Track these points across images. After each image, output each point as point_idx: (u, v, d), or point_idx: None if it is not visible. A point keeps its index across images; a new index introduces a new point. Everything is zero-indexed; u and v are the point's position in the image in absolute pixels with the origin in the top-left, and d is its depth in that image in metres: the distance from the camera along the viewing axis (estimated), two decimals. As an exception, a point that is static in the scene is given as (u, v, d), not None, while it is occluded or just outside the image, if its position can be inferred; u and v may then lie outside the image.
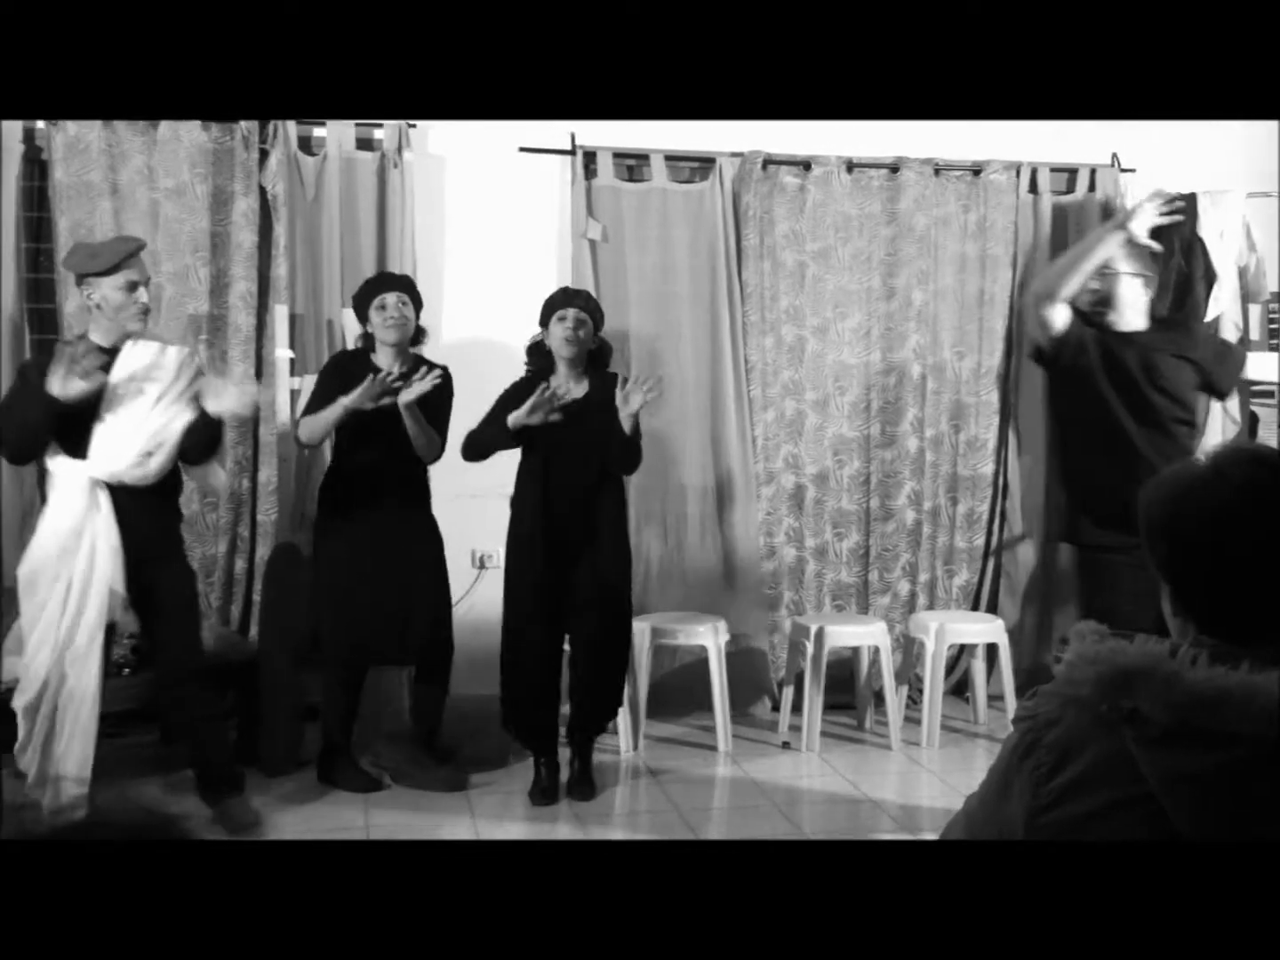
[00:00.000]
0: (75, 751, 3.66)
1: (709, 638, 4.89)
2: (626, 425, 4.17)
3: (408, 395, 4.10)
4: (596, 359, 4.38)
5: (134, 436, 3.69)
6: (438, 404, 4.25)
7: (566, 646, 4.42)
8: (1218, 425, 5.37)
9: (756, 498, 5.34)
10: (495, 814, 4.23)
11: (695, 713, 5.14)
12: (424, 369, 4.15)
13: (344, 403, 4.09)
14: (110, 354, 3.72)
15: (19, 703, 3.68)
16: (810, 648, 4.92)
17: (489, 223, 5.12)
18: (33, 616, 3.67)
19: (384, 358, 4.29)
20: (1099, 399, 4.03)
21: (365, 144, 4.98)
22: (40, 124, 4.71)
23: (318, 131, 4.95)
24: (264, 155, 4.84)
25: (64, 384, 3.53)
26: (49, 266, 4.78)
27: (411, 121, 4.96)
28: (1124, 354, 4.03)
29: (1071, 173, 5.56)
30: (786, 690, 5.14)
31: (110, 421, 3.68)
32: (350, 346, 4.61)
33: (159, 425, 3.72)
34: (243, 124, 4.78)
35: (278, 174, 4.83)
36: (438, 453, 4.32)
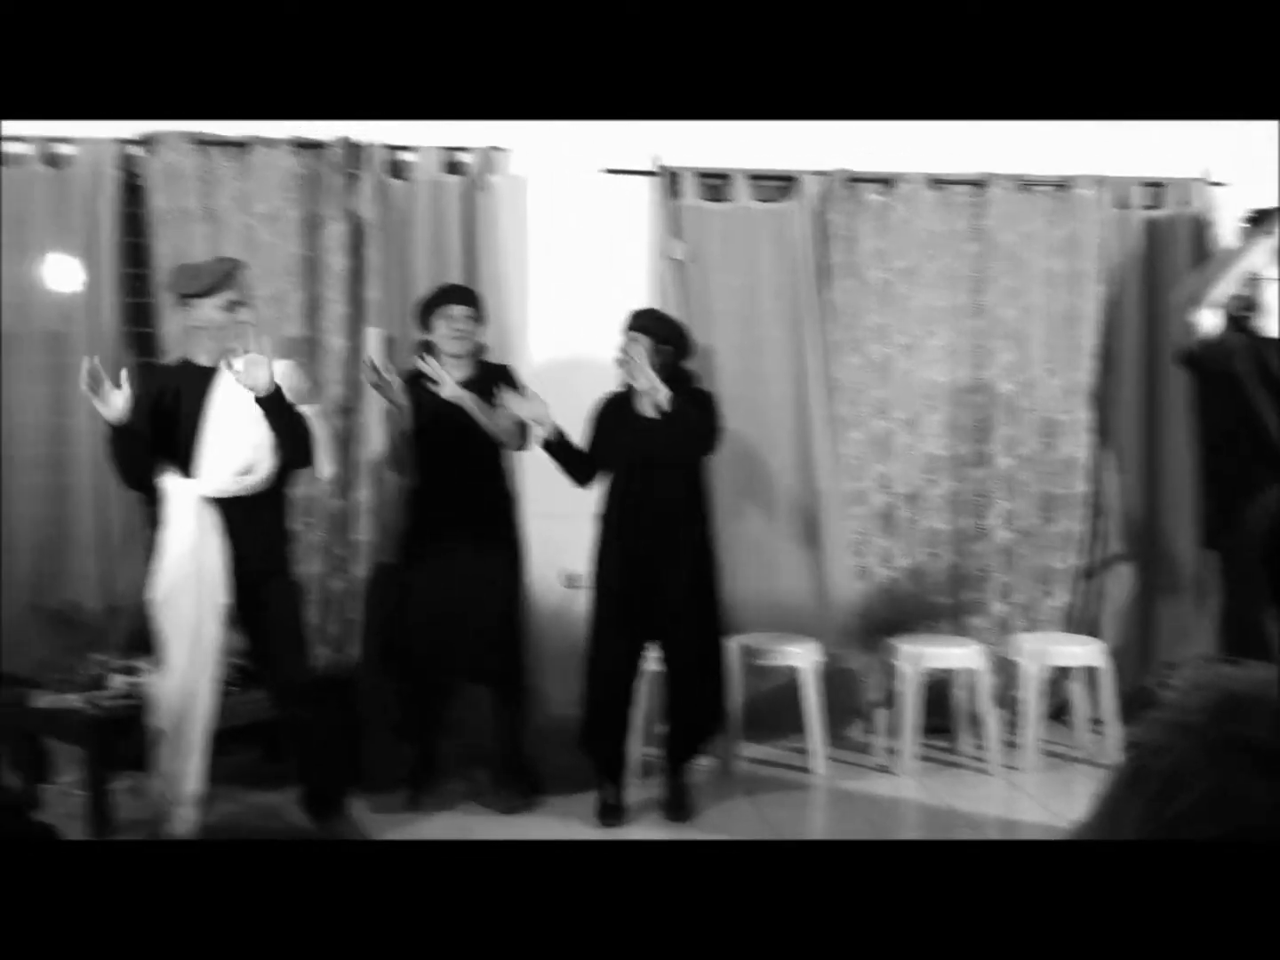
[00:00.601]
0: (192, 768, 3.69)
1: (802, 658, 4.82)
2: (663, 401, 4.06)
3: (446, 387, 4.11)
4: (678, 377, 4.31)
5: (237, 450, 3.72)
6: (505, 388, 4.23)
7: (656, 665, 4.37)
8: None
9: (846, 517, 5.27)
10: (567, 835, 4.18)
11: (789, 734, 5.06)
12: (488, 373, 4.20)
13: (387, 418, 4.14)
14: (212, 372, 3.76)
15: (162, 723, 3.72)
16: (905, 670, 4.83)
17: (574, 244, 5.15)
18: (168, 637, 3.71)
19: (447, 367, 4.26)
20: (1247, 405, 3.98)
21: (453, 167, 5.04)
22: (138, 150, 4.82)
23: (406, 156, 5.02)
24: (354, 180, 4.91)
25: (104, 408, 3.56)
26: (147, 291, 4.88)
27: (497, 145, 5.02)
28: (1274, 360, 3.97)
29: (1160, 187, 5.49)
30: (880, 712, 5.04)
31: (215, 438, 3.72)
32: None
33: (257, 437, 3.74)
34: (333, 150, 4.87)
35: (367, 198, 4.90)
36: (522, 438, 4.29)
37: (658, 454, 4.18)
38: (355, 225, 4.93)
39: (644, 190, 5.21)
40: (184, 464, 3.73)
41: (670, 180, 5.18)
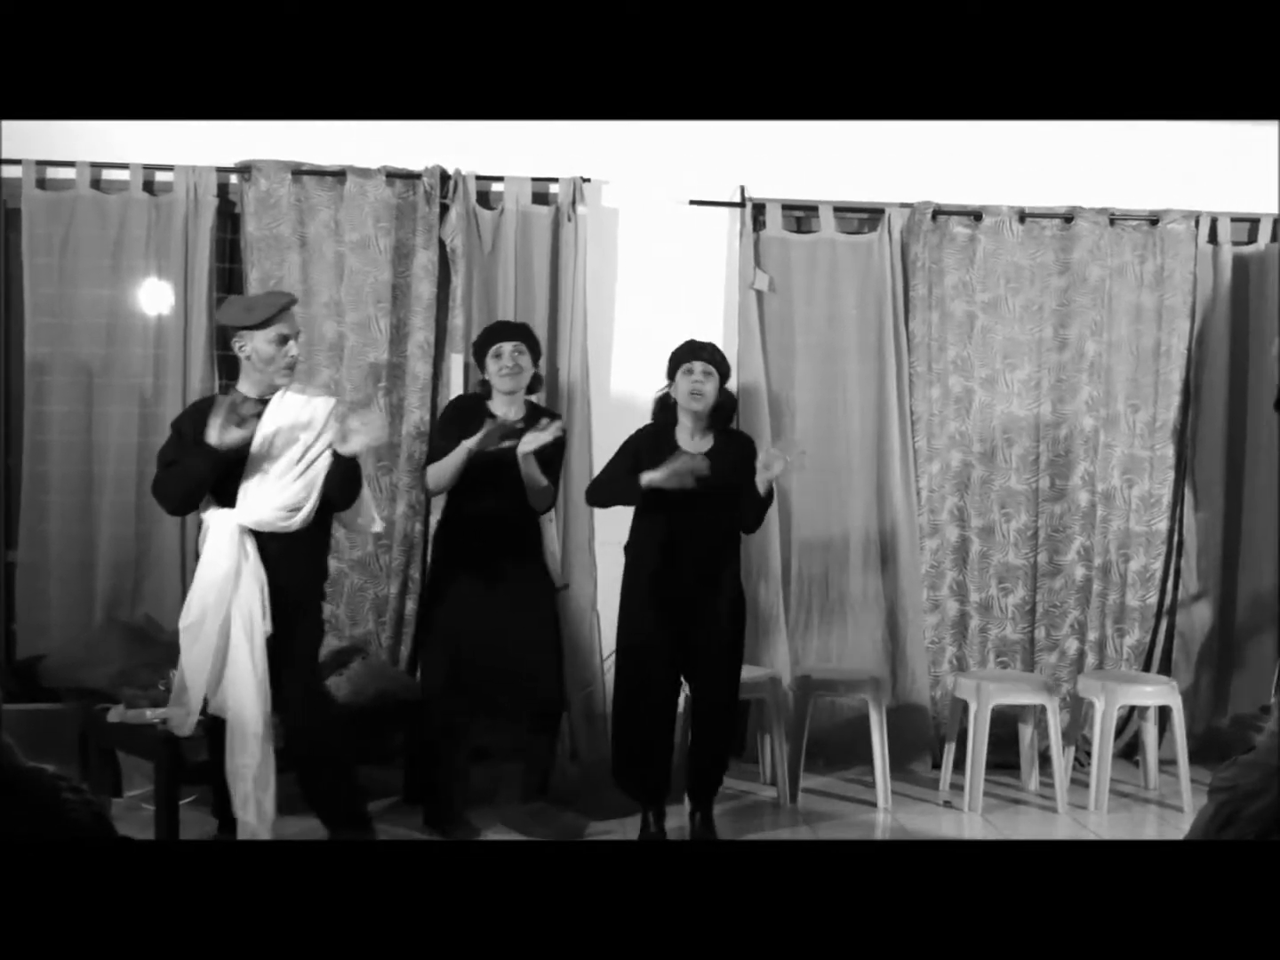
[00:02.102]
0: (268, 792, 3.75)
1: (870, 691, 4.86)
2: (762, 488, 4.14)
3: (528, 445, 4.10)
4: (720, 413, 4.33)
5: (282, 486, 3.76)
6: (552, 454, 4.24)
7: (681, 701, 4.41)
8: None
9: (920, 550, 5.29)
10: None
11: (855, 767, 5.10)
12: (544, 420, 4.17)
13: (467, 445, 4.09)
14: (260, 405, 3.80)
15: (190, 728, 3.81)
16: (974, 705, 4.85)
17: (658, 274, 5.20)
18: (192, 666, 3.76)
19: (499, 405, 4.30)
20: None
21: (541, 198, 5.10)
22: (233, 178, 4.94)
23: (496, 186, 5.10)
24: (444, 210, 4.99)
25: (221, 433, 3.62)
26: (239, 316, 5.00)
27: (586, 176, 5.08)
28: None
29: (1253, 222, 5.41)
30: (948, 747, 5.07)
31: (259, 472, 3.76)
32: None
33: (308, 476, 3.78)
34: (425, 179, 4.95)
35: (457, 227, 4.98)
36: (550, 502, 4.35)
37: (707, 490, 4.16)
38: (444, 254, 5.01)
39: (728, 222, 5.24)
40: (225, 494, 3.77)
41: (755, 212, 5.20)
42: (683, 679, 4.34)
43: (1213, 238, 5.38)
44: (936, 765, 5.17)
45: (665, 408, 4.36)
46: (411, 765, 4.64)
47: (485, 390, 4.35)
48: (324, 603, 4.15)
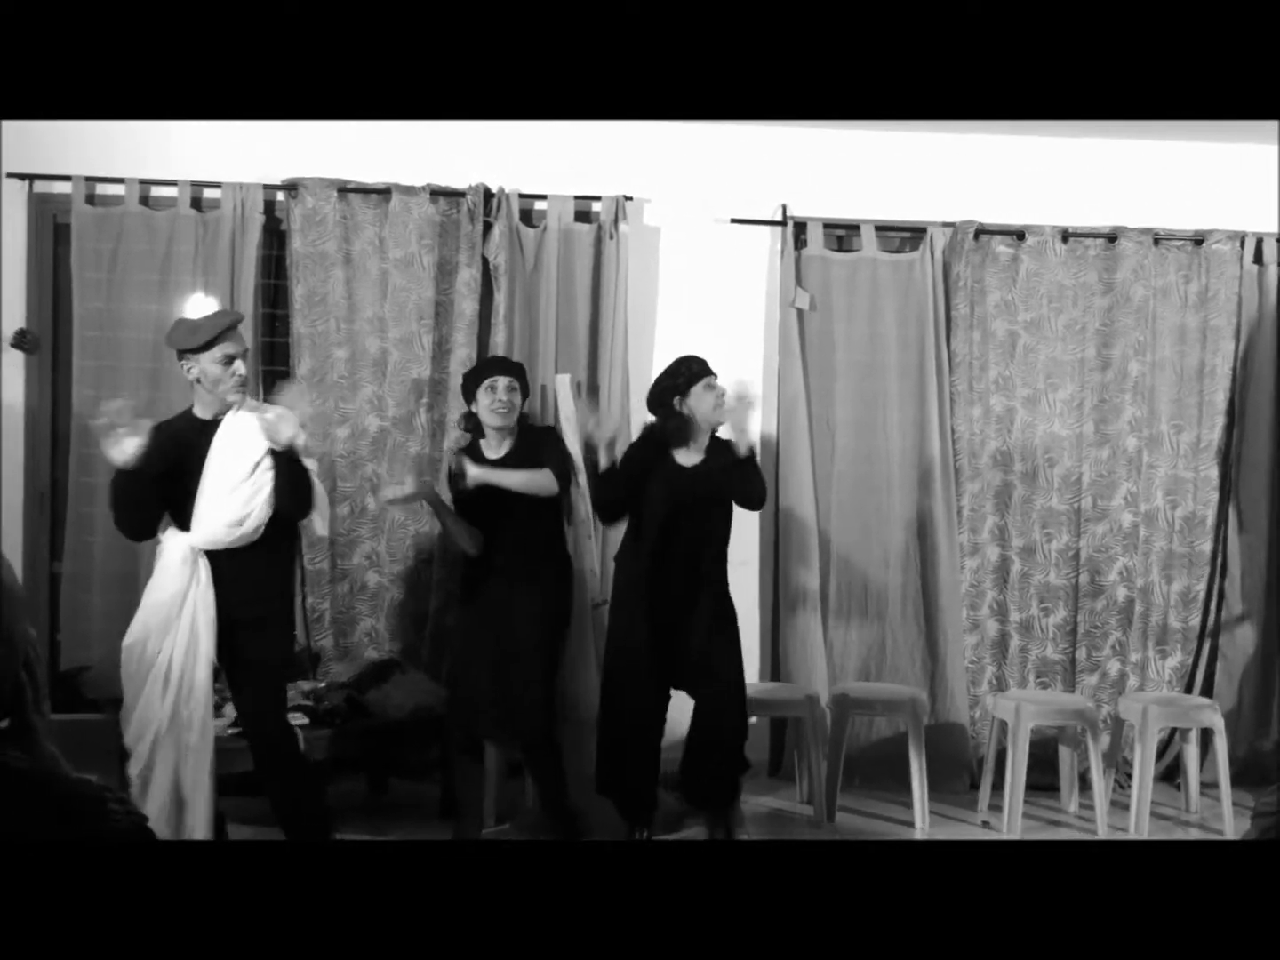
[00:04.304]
0: (201, 816, 3.68)
1: (908, 710, 4.85)
2: (742, 449, 4.15)
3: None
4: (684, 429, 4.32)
5: (230, 501, 3.69)
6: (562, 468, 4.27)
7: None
8: None
9: (960, 569, 5.28)
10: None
11: (893, 787, 5.09)
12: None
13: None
14: (212, 425, 3.74)
15: (133, 771, 3.69)
16: (1012, 725, 4.82)
17: (700, 292, 5.23)
18: (134, 690, 3.70)
19: (491, 440, 4.31)
20: None
21: (583, 216, 5.14)
22: (280, 195, 4.99)
23: (539, 205, 5.13)
24: (488, 227, 5.03)
25: (112, 448, 3.53)
26: (285, 331, 5.06)
27: (628, 195, 5.11)
28: None
29: (1301, 241, 5.37)
30: (987, 768, 5.05)
31: (210, 490, 3.69)
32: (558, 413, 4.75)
33: (252, 486, 3.71)
34: (468, 197, 4.99)
35: (499, 245, 5.02)
36: (477, 546, 4.28)
37: (699, 503, 4.23)
38: (487, 271, 5.05)
39: (770, 240, 5.26)
40: (183, 516, 3.73)
41: (796, 230, 5.21)
42: (677, 691, 4.36)
43: (1258, 258, 5.35)
44: (975, 786, 5.15)
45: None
46: (446, 781, 4.67)
47: (469, 424, 4.38)
48: (296, 609, 4.23)
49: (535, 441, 4.33)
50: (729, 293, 5.25)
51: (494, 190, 5.04)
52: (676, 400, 4.30)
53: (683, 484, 4.27)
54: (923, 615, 5.29)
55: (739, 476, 4.22)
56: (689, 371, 4.30)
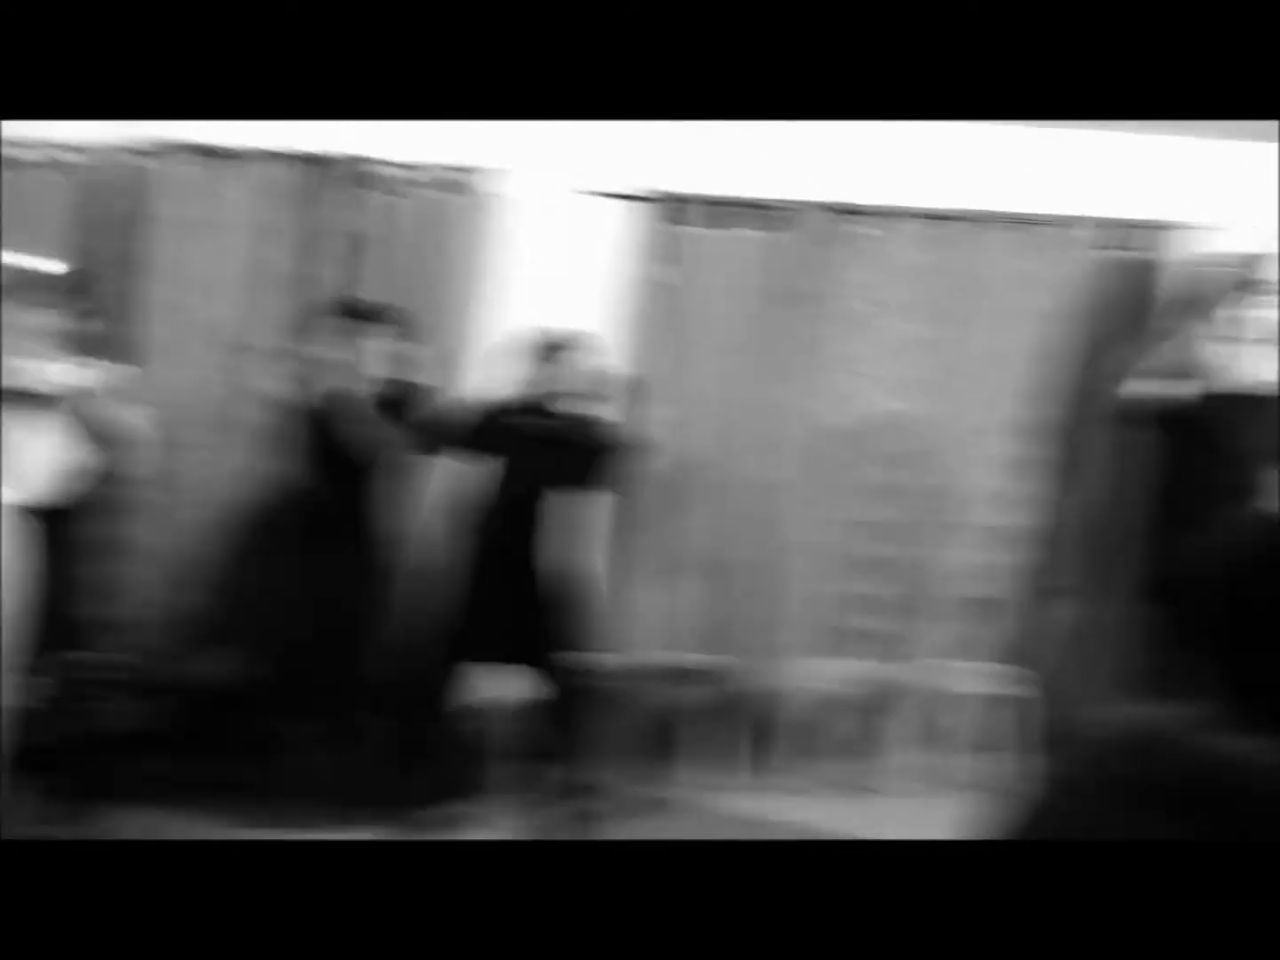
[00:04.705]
0: None
1: (725, 680, 5.02)
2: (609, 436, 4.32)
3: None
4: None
5: (37, 460, 3.67)
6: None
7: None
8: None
9: (781, 540, 5.43)
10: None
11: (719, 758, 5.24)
12: None
13: None
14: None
15: None
16: (819, 692, 5.13)
17: (561, 266, 5.31)
18: None
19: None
20: (1184, 460, 4.10)
21: (452, 186, 5.19)
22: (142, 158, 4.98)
23: (403, 173, 5.17)
24: (352, 196, 5.07)
25: None
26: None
27: (497, 165, 5.17)
28: (1215, 417, 4.07)
29: (1147, 230, 5.50)
30: (788, 737, 5.25)
31: (22, 443, 3.65)
32: None
33: (65, 445, 3.70)
34: (332, 165, 5.01)
35: (363, 214, 5.06)
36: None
37: (546, 474, 4.32)
38: (349, 240, 5.10)
39: (634, 215, 5.35)
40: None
41: (661, 205, 5.31)
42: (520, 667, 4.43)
43: (1102, 244, 5.48)
44: (782, 755, 5.33)
45: None
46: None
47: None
48: None
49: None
50: (592, 268, 5.33)
51: (359, 157, 5.07)
52: (536, 371, 4.41)
53: (535, 451, 4.37)
54: (739, 583, 5.44)
55: (588, 454, 4.36)
56: (549, 344, 4.42)
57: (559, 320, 5.26)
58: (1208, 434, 4.01)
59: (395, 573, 4.61)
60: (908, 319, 5.46)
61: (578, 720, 4.46)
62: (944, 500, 5.54)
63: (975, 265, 5.43)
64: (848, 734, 5.37)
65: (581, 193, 5.30)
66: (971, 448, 5.52)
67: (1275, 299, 5.21)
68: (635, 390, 5.03)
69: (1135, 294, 5.43)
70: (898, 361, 5.47)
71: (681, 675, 5.17)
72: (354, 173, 5.08)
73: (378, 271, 5.15)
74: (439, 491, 4.86)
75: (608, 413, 4.44)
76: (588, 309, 5.25)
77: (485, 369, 5.14)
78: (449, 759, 4.40)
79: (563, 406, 4.38)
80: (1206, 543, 1.56)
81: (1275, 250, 5.28)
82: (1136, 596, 4.18)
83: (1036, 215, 5.46)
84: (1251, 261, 5.28)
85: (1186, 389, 4.08)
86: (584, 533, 4.47)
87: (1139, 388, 4.04)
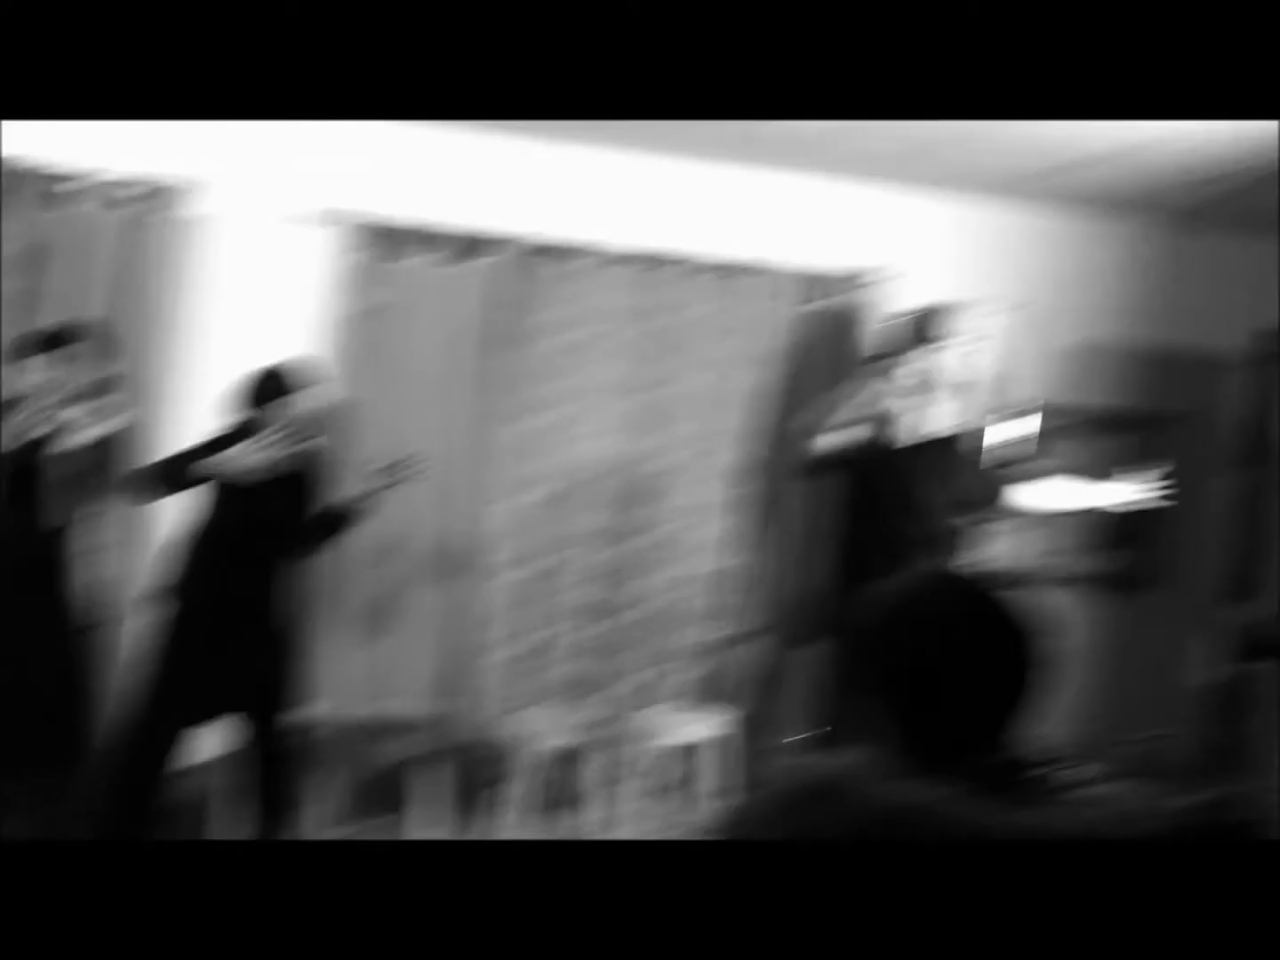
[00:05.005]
0: None
1: (428, 731, 4.78)
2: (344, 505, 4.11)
3: None
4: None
5: None
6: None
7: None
8: (974, 538, 5.52)
9: (489, 586, 5.25)
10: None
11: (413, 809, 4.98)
12: None
13: None
14: None
15: None
16: (531, 746, 4.86)
17: (245, 292, 5.00)
18: None
19: None
20: (867, 508, 4.09)
21: (123, 201, 4.79)
22: None
23: (64, 185, 4.73)
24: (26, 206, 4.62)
25: None
26: None
27: (185, 179, 4.84)
28: (896, 466, 4.07)
29: (833, 280, 5.63)
30: (506, 787, 5.05)
31: None
32: None
33: None
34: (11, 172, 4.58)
35: (33, 225, 4.62)
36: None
37: (263, 519, 4.07)
38: (30, 254, 4.66)
39: (324, 242, 5.09)
40: None
41: (355, 234, 5.07)
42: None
43: (792, 292, 5.57)
44: (495, 806, 5.13)
45: None
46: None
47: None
48: None
49: None
50: (278, 296, 5.03)
51: (29, 166, 4.65)
52: (255, 410, 4.09)
53: (259, 496, 4.06)
54: (449, 635, 5.21)
55: (306, 498, 4.14)
56: (268, 380, 4.12)
57: (257, 350, 4.89)
58: (890, 483, 4.13)
59: (100, 625, 4.30)
60: (612, 361, 5.37)
61: (290, 774, 4.21)
62: (653, 543, 5.49)
63: (678, 309, 5.43)
64: (568, 782, 5.22)
65: (283, 218, 5.01)
66: (678, 491, 5.50)
67: (956, 348, 5.48)
68: (346, 428, 4.71)
69: (833, 342, 5.56)
70: (603, 404, 5.37)
71: (397, 727, 4.96)
72: (35, 182, 4.63)
73: (63, 290, 4.68)
74: (150, 538, 4.57)
75: (324, 453, 4.21)
76: (288, 338, 4.92)
77: (198, 406, 4.70)
78: (162, 814, 4.07)
79: (285, 447, 4.08)
80: (880, 593, 1.61)
81: (955, 301, 5.54)
82: (823, 641, 4.22)
83: (739, 261, 5.50)
84: (932, 312, 5.49)
85: (868, 439, 4.12)
86: (298, 581, 4.26)
87: (824, 439, 4.07)
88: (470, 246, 5.21)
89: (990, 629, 1.57)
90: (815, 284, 5.63)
